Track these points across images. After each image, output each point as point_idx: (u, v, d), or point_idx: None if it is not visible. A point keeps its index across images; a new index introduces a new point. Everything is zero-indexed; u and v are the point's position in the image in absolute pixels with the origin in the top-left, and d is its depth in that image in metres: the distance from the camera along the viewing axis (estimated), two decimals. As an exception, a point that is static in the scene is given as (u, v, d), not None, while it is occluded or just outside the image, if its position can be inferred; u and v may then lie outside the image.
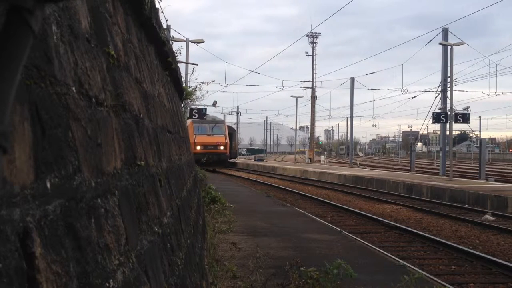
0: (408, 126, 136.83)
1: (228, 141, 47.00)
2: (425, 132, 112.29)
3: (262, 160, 78.66)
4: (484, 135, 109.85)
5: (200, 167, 34.18)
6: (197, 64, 27.88)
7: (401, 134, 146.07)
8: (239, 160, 67.80)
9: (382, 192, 26.22)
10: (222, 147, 45.37)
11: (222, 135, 45.91)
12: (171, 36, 25.58)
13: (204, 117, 33.75)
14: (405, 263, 9.54)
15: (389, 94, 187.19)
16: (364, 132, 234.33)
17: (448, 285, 8.32)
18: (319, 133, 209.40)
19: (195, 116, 31.23)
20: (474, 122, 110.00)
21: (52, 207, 1.07)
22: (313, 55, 72.08)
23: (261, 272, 6.76)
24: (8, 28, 0.70)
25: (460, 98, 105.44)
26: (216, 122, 46.97)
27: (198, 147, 42.73)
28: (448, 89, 30.54)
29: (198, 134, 43.94)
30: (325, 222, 14.88)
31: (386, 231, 14.63)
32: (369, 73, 58.87)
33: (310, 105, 69.94)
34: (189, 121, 38.13)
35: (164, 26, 10.40)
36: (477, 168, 34.66)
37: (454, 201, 21.21)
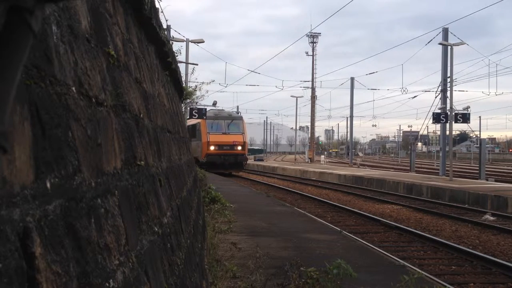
0: (408, 126, 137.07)
1: (246, 140, 40.46)
2: (425, 132, 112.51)
3: (262, 160, 78.70)
4: (484, 135, 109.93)
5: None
6: (197, 64, 27.88)
7: (401, 134, 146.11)
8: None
9: (382, 192, 26.22)
10: (239, 147, 38.65)
11: (240, 133, 39.19)
12: (171, 36, 25.60)
13: (204, 117, 31.68)
14: (405, 263, 9.54)
15: (389, 94, 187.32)
16: (364, 132, 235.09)
17: (448, 285, 8.31)
18: (319, 133, 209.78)
19: (195, 116, 29.34)
20: (474, 122, 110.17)
21: (52, 207, 1.07)
22: (313, 55, 72.18)
23: (261, 272, 6.76)
24: (8, 28, 0.70)
25: (460, 98, 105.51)
26: (233, 118, 40.33)
27: (212, 147, 37.42)
28: (448, 89, 30.54)
29: (212, 133, 37.73)
30: (325, 222, 14.87)
31: (386, 231, 14.63)
32: (369, 73, 58.93)
33: (310, 105, 70.00)
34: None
35: (164, 26, 10.39)
36: (477, 168, 34.65)
37: (454, 201, 21.21)
